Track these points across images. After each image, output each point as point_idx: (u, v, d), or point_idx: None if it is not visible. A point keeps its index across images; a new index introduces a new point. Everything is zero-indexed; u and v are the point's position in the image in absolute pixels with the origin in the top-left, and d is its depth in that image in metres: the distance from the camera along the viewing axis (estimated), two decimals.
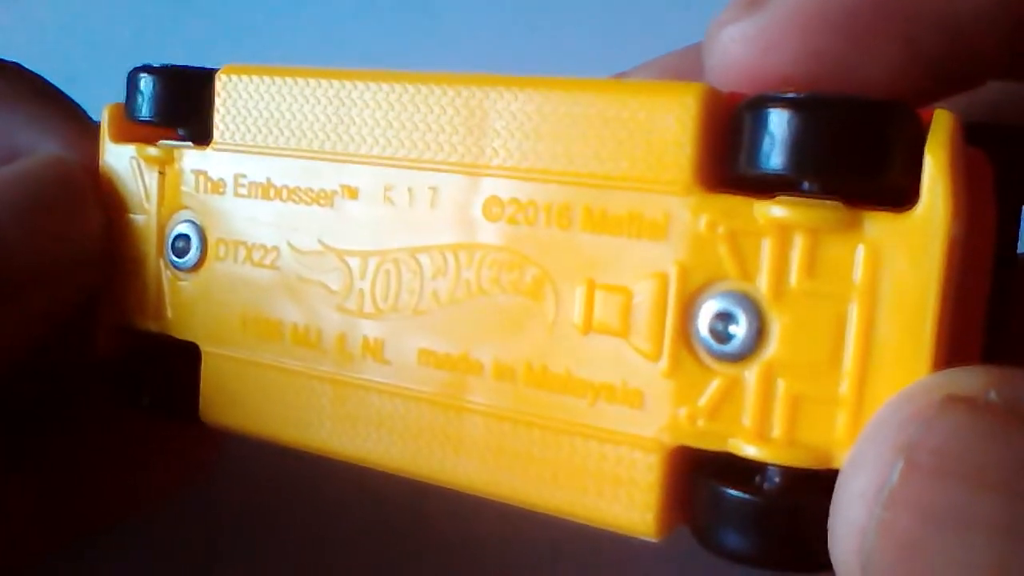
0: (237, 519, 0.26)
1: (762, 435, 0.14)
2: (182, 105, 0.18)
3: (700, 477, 0.14)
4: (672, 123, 0.14)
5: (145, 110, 0.18)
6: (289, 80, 0.17)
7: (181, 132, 0.19)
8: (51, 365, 0.21)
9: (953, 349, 0.13)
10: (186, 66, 0.18)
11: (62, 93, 0.21)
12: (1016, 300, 0.17)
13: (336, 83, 0.17)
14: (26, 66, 0.21)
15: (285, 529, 0.26)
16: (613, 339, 0.15)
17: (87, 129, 0.19)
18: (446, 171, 0.16)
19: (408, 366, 0.16)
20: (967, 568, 0.11)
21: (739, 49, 0.15)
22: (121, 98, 0.19)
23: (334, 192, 0.17)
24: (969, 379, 0.12)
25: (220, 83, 0.18)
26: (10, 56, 0.21)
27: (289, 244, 0.17)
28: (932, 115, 0.13)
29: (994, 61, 0.15)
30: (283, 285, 0.17)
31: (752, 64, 0.15)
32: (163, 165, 0.19)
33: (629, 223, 0.14)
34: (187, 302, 0.18)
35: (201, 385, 0.18)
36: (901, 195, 0.13)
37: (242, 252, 0.18)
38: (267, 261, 0.17)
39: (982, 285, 0.15)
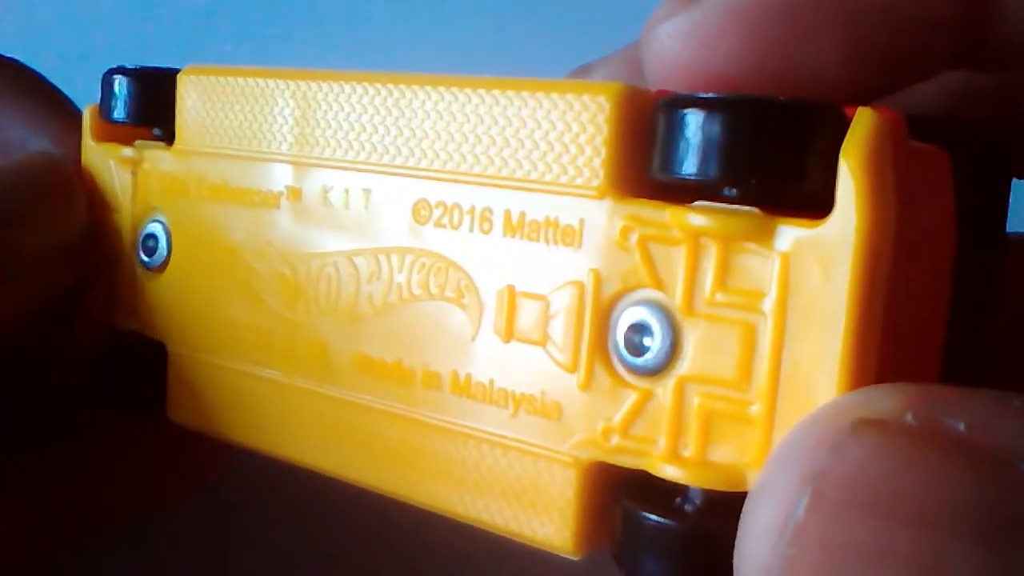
0: (244, 518, 0.26)
1: (677, 455, 0.13)
2: (151, 106, 0.18)
3: (618, 497, 0.14)
4: (586, 125, 0.13)
5: (118, 111, 0.19)
6: (241, 80, 0.17)
7: (156, 132, 0.19)
8: (46, 360, 0.21)
9: (892, 364, 0.12)
10: (156, 68, 0.19)
11: (58, 91, 0.21)
12: (1007, 279, 0.16)
13: (280, 83, 0.17)
14: (24, 63, 0.21)
15: (292, 526, 0.26)
16: (533, 348, 0.14)
17: (78, 127, 0.20)
18: (378, 172, 0.15)
19: (347, 371, 0.16)
20: None
21: (675, 46, 0.14)
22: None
23: (280, 194, 0.17)
24: (884, 399, 0.11)
25: (181, 84, 0.18)
26: (9, 52, 0.21)
27: (244, 246, 0.17)
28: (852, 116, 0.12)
29: (943, 53, 0.14)
30: (238, 286, 0.17)
31: (689, 62, 0.14)
32: (135, 165, 0.19)
33: (547, 229, 0.14)
34: (156, 301, 0.19)
35: (168, 384, 0.18)
36: (823, 202, 0.12)
37: (204, 252, 0.18)
38: (224, 263, 0.17)
39: (938, 287, 0.14)
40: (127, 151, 0.19)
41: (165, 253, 0.18)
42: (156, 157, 0.18)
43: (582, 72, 0.18)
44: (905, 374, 0.12)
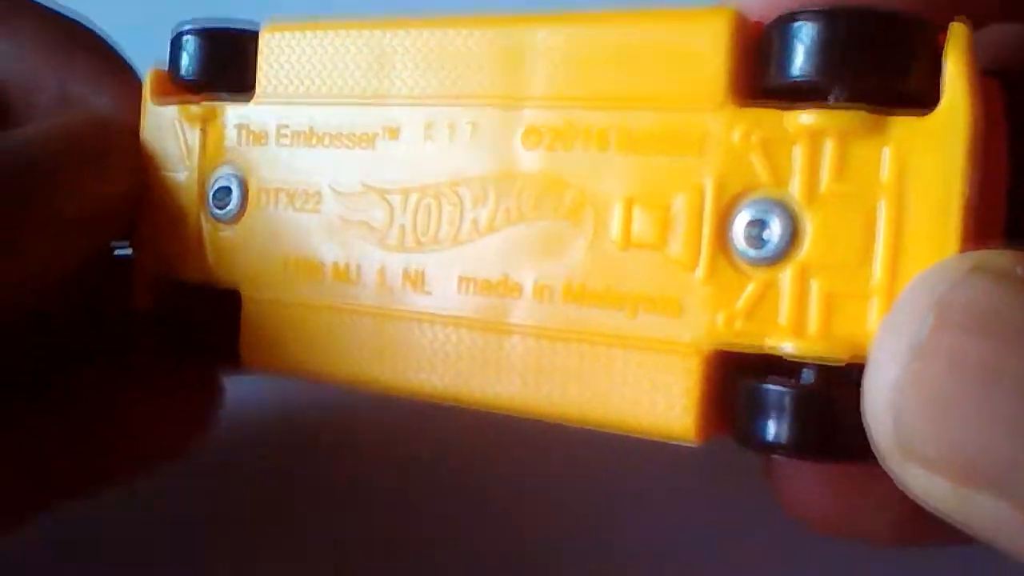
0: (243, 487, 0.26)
1: (798, 332, 0.14)
2: (226, 64, 0.19)
3: (738, 377, 0.15)
4: (705, 45, 0.15)
5: (190, 70, 0.19)
6: (330, 32, 0.18)
7: (221, 91, 0.19)
8: (99, 317, 0.21)
9: (978, 241, 0.14)
10: (228, 27, 0.19)
11: (117, 50, 0.21)
12: None
13: (374, 31, 0.18)
14: (86, 20, 0.21)
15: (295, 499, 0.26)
16: (651, 252, 0.15)
17: (135, 88, 0.20)
18: (485, 106, 0.17)
19: (448, 294, 0.17)
20: (993, 419, 0.12)
21: None
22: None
23: (375, 134, 0.17)
24: (996, 256, 0.13)
25: (263, 40, 0.19)
26: None
27: (331, 188, 0.18)
28: (948, 27, 0.14)
29: (994, 2, 0.16)
30: (324, 227, 0.18)
31: None
32: (205, 122, 0.19)
33: (664, 141, 0.15)
34: (230, 251, 0.19)
35: (242, 330, 0.19)
36: (922, 100, 0.14)
37: (283, 199, 0.18)
38: (309, 206, 0.18)
39: (998, 195, 0.15)
40: (195, 108, 0.19)
41: (239, 204, 0.19)
42: (230, 111, 0.19)
43: None
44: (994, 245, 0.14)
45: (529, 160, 0.16)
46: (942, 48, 0.14)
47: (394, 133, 0.17)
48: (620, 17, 0.16)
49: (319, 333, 0.18)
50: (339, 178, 0.18)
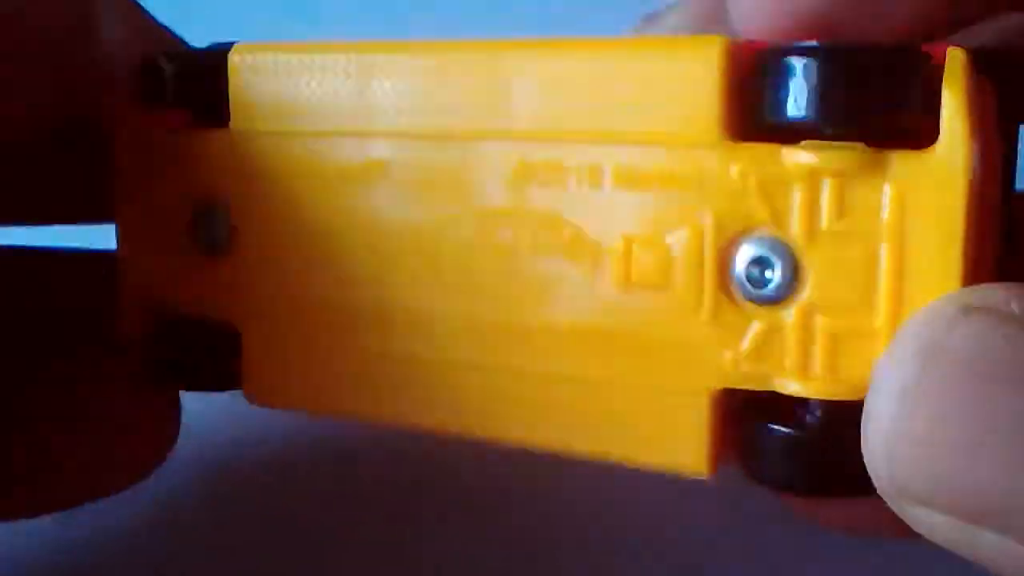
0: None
1: (804, 372, 0.14)
2: (198, 88, 0.18)
3: (746, 416, 0.15)
4: (697, 77, 0.14)
5: (164, 94, 0.19)
6: (305, 57, 0.17)
7: (198, 115, 0.19)
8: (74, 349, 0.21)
9: (976, 278, 0.14)
10: (200, 48, 0.19)
11: None
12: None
13: (354, 56, 0.17)
14: None
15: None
16: (653, 292, 0.15)
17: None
18: (474, 139, 0.16)
19: (451, 333, 0.17)
20: (989, 459, 0.12)
21: None
22: None
23: (365, 167, 0.17)
24: (990, 293, 0.13)
25: (232, 64, 0.18)
26: None
27: (325, 222, 0.17)
28: (944, 52, 0.14)
29: None
30: (322, 262, 0.18)
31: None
32: (180, 149, 0.19)
33: (660, 177, 0.15)
34: (220, 284, 0.19)
35: (244, 366, 0.19)
36: (920, 134, 0.14)
37: (275, 232, 0.18)
38: (302, 240, 0.18)
39: (996, 216, 0.15)
40: (174, 133, 0.19)
41: (226, 236, 0.18)
42: (208, 137, 0.18)
43: (650, 21, 0.19)
44: (990, 279, 0.14)
45: (523, 195, 0.16)
46: (940, 74, 0.14)
47: (380, 167, 0.17)
48: (609, 45, 0.15)
49: (322, 370, 0.18)
50: (332, 213, 0.17)
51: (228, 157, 0.18)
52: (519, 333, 0.16)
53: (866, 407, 0.13)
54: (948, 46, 0.14)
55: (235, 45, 0.18)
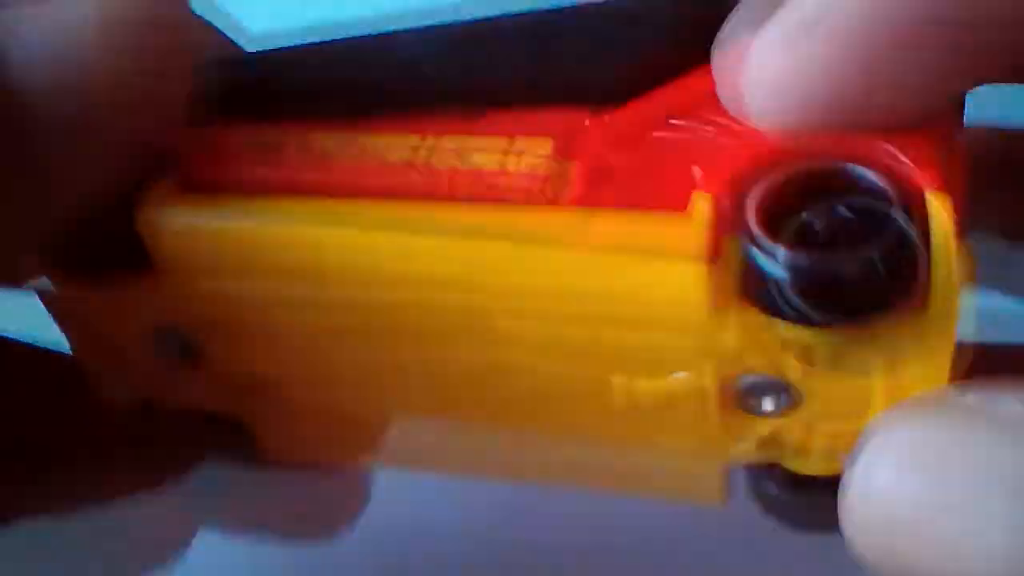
0: None
1: (806, 459, 0.17)
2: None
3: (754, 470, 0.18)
4: (682, 293, 0.14)
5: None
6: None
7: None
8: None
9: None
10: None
11: None
12: None
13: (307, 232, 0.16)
14: None
15: None
16: (660, 411, 0.16)
17: None
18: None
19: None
20: (937, 548, 0.13)
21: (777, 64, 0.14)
22: None
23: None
24: (937, 391, 0.14)
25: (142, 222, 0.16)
26: None
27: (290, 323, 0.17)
28: (925, 201, 0.14)
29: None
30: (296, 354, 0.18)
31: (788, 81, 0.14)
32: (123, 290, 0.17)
33: (653, 351, 0.15)
34: (201, 388, 0.19)
35: (257, 436, 0.19)
36: (909, 292, 0.14)
37: (239, 342, 0.18)
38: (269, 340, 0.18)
39: None
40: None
41: (195, 346, 0.18)
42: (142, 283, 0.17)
43: None
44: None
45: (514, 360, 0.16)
46: (926, 228, 0.14)
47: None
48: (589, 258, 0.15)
49: (332, 432, 0.19)
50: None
51: (166, 297, 0.17)
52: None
53: (843, 488, 0.14)
54: (929, 190, 0.14)
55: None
